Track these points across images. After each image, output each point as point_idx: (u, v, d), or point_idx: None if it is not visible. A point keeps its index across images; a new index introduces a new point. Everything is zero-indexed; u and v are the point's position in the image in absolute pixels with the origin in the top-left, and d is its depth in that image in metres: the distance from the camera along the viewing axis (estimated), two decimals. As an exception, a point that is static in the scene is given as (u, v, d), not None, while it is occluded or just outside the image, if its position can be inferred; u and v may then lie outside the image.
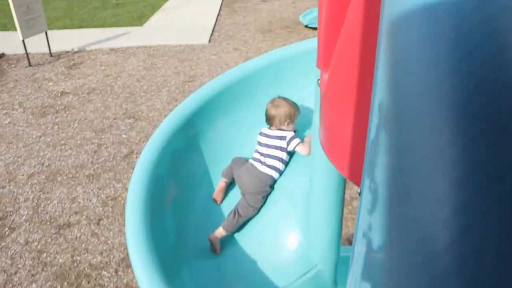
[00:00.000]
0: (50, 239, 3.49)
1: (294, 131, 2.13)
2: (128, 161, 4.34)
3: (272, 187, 2.08)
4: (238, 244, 1.97)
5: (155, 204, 1.66)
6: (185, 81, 5.83)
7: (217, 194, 2.09)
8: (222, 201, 2.10)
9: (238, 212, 1.99)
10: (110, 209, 3.76)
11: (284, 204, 2.01)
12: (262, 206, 2.04)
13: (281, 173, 2.09)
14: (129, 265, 3.24)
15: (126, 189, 3.97)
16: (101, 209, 3.77)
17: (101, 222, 3.63)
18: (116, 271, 3.20)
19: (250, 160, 2.13)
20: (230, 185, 2.14)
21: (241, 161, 2.13)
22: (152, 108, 5.23)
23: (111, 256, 3.32)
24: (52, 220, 3.67)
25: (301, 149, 2.07)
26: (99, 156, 4.43)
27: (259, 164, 2.07)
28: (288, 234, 1.95)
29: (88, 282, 3.12)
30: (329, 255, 1.85)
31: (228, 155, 2.16)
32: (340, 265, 1.99)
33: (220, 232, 1.95)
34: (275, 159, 2.07)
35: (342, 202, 1.72)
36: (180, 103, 2.16)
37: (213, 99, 2.17)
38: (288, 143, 2.07)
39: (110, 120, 5.03)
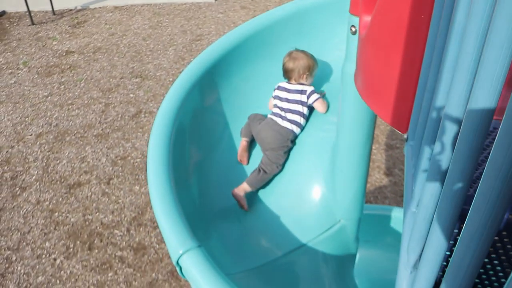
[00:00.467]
0: (61, 199, 3.47)
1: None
2: (136, 121, 4.27)
3: (293, 142, 2.02)
4: (261, 198, 1.92)
5: (176, 160, 1.60)
6: (192, 40, 5.68)
7: (241, 154, 2.01)
8: (248, 161, 2.02)
9: (263, 169, 1.93)
10: (120, 168, 3.72)
11: (309, 158, 1.95)
12: (285, 161, 1.98)
13: (302, 128, 2.02)
14: (141, 224, 3.22)
15: (135, 149, 3.92)
16: (110, 168, 3.73)
17: (111, 181, 3.60)
18: (128, 230, 3.19)
19: (270, 115, 2.04)
20: (251, 144, 2.07)
21: (259, 117, 2.05)
22: (159, 67, 5.12)
23: (123, 215, 3.31)
24: (63, 180, 3.65)
25: (318, 105, 2.01)
26: (107, 116, 4.36)
27: (280, 119, 2.00)
28: (313, 188, 1.90)
29: (101, 241, 3.12)
30: (353, 210, 1.81)
31: (247, 108, 2.07)
32: (362, 222, 1.96)
33: (244, 187, 1.89)
34: (296, 113, 2.00)
35: (369, 157, 1.66)
36: (188, 62, 2.07)
37: (231, 52, 2.07)
38: (308, 97, 2.00)
39: (117, 79, 4.93)
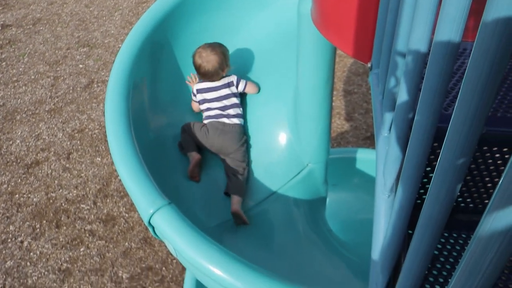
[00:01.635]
0: (20, 180, 3.34)
1: None
2: (89, 91, 4.11)
3: (245, 133, 1.97)
4: None
5: (136, 121, 1.53)
6: (138, 3, 5.44)
7: (193, 171, 1.83)
8: (200, 178, 1.87)
9: (236, 173, 1.83)
10: (78, 142, 3.60)
11: (272, 105, 1.92)
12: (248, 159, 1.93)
13: (244, 117, 1.97)
14: (107, 195, 3.16)
15: (92, 120, 3.79)
16: (68, 143, 3.60)
17: (70, 156, 3.49)
18: (95, 203, 3.12)
19: (211, 120, 1.92)
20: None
21: (198, 126, 1.91)
22: (107, 34, 4.90)
23: (87, 189, 3.23)
24: (19, 160, 3.50)
25: (250, 89, 1.97)
26: (57, 90, 4.17)
27: (226, 118, 1.91)
28: (278, 135, 1.90)
29: (68, 217, 3.04)
30: (320, 153, 1.81)
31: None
32: (329, 166, 1.98)
33: (237, 201, 1.77)
34: (235, 106, 1.93)
35: (331, 97, 1.65)
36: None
37: (180, 6, 1.98)
38: (237, 86, 1.94)
39: (63, 50, 4.70)
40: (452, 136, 0.48)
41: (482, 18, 0.40)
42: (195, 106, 2.00)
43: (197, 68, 1.93)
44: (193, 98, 1.98)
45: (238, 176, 1.85)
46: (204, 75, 1.94)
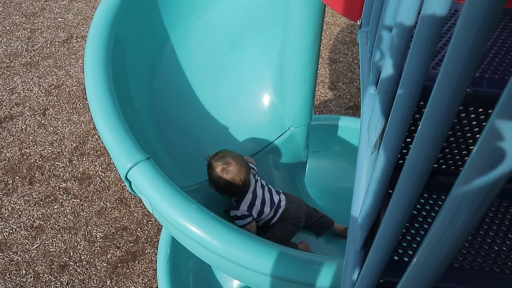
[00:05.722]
0: (-8, 133, 3.24)
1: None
2: (68, 46, 3.97)
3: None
4: (209, 111, 1.84)
5: (117, 74, 1.46)
6: (121, -43, 5.23)
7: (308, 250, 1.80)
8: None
9: (316, 213, 1.88)
10: (55, 98, 3.49)
11: (257, 65, 1.87)
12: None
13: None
14: (83, 153, 3.09)
15: (70, 76, 3.67)
16: (45, 98, 3.49)
17: (46, 112, 3.39)
18: (70, 161, 3.05)
19: (280, 215, 1.75)
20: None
21: (277, 234, 1.74)
22: (88, -12, 4.71)
23: (63, 146, 3.15)
24: (-9, 114, 3.38)
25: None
26: (34, 43, 4.02)
27: (282, 202, 1.76)
28: (262, 97, 1.85)
29: (42, 174, 2.98)
30: (302, 117, 1.78)
31: (192, 13, 1.88)
32: (310, 133, 1.95)
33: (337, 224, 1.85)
34: (272, 189, 1.77)
35: (317, 61, 1.61)
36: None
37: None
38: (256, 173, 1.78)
39: (42, 2, 4.51)
40: (438, 92, 0.45)
41: None
42: (253, 227, 1.73)
43: (237, 185, 1.61)
44: (246, 221, 1.68)
45: (318, 213, 1.88)
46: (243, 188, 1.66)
